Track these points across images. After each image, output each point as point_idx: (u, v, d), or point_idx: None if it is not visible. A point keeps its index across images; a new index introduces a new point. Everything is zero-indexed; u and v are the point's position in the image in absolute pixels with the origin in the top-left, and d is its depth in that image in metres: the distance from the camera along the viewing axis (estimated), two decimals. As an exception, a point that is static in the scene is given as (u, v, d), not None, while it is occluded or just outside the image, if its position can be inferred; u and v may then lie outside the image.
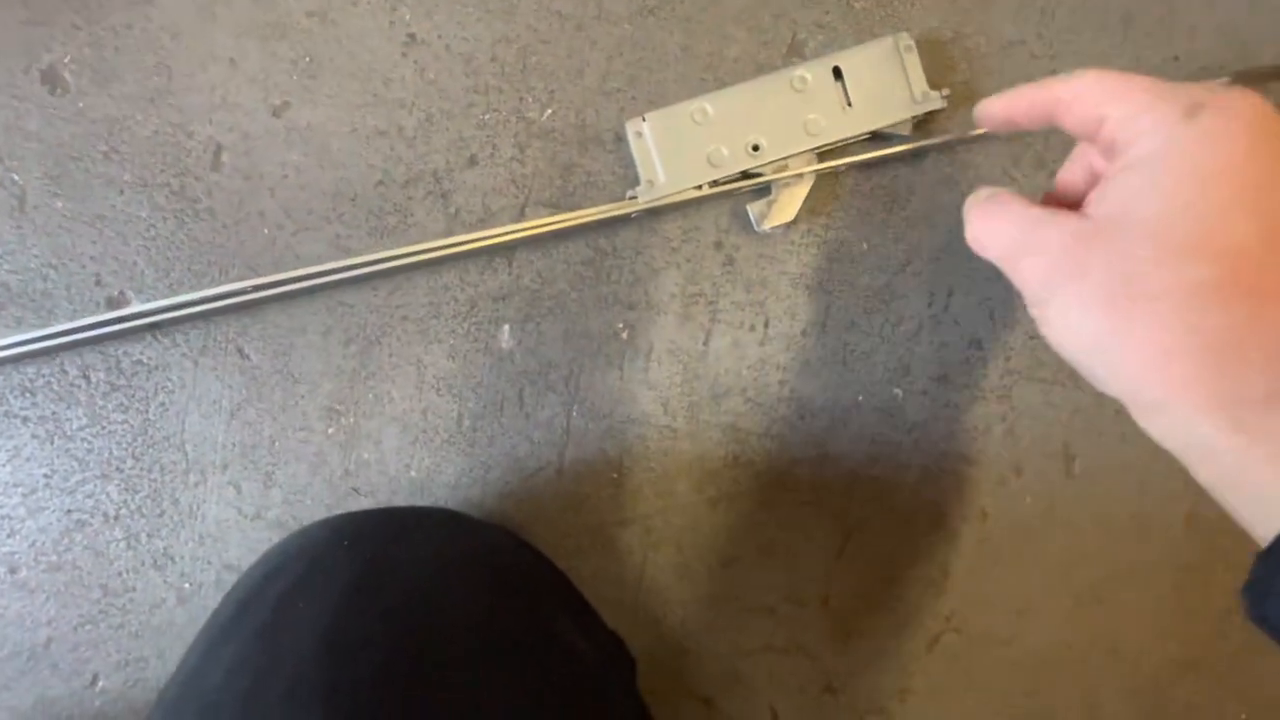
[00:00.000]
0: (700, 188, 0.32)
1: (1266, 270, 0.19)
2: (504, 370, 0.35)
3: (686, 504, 0.35)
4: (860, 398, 0.35)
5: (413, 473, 0.35)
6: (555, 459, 0.35)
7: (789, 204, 0.33)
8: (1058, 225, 0.22)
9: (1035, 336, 0.36)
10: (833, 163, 0.33)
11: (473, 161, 0.34)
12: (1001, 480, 0.36)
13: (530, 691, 0.22)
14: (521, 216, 0.34)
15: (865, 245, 0.35)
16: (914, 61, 0.33)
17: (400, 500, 0.35)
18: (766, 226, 0.33)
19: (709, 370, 0.35)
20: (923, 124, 0.34)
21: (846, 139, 0.33)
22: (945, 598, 0.37)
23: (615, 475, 0.35)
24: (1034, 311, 0.23)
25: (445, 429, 0.35)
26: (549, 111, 0.34)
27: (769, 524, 0.36)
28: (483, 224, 0.34)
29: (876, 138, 0.33)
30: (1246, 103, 0.21)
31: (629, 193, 0.33)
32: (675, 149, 0.32)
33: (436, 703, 0.20)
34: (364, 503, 0.35)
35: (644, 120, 0.32)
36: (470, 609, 0.23)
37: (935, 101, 0.33)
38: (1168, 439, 0.21)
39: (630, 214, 0.33)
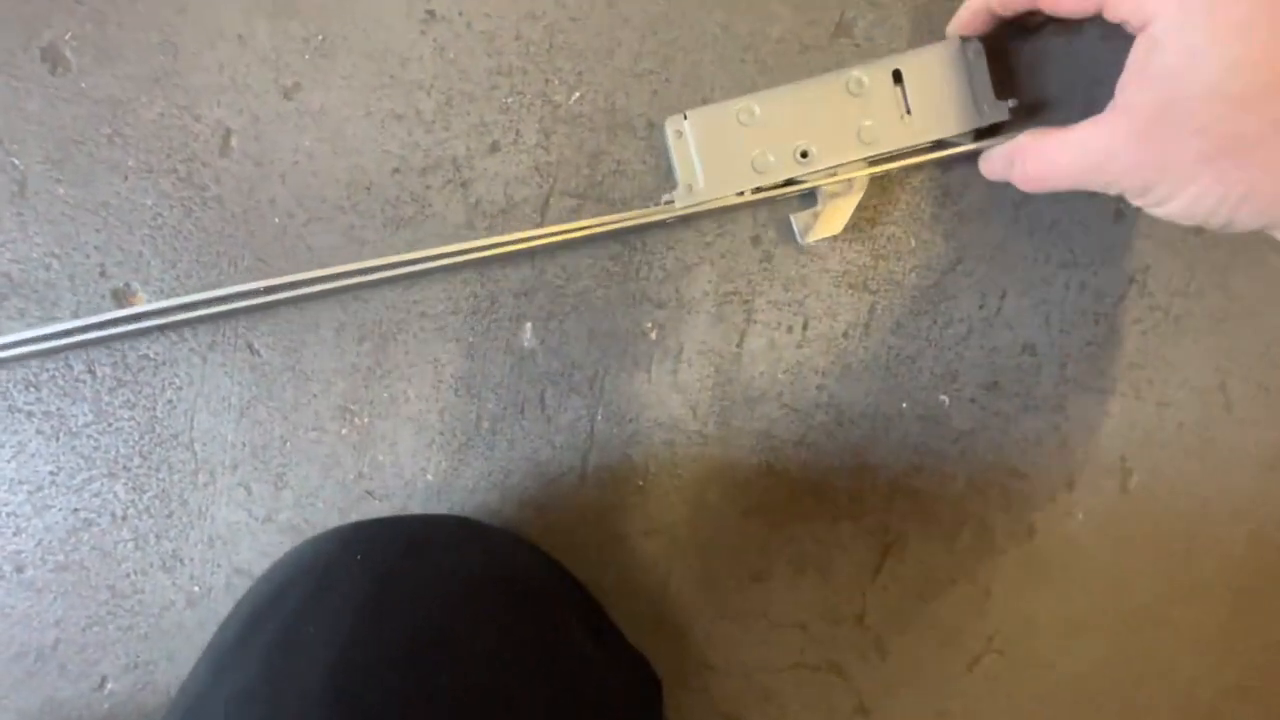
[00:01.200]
0: (742, 194, 0.30)
1: None
2: (525, 370, 0.33)
3: (715, 514, 0.34)
4: (904, 405, 0.33)
5: (429, 476, 0.33)
6: (578, 464, 0.33)
7: (837, 216, 0.30)
8: (1119, 129, 0.24)
9: (1093, 343, 0.33)
10: (886, 166, 0.31)
11: (494, 148, 0.32)
12: (1052, 495, 0.34)
13: (546, 711, 0.21)
14: (545, 207, 0.32)
15: (913, 242, 0.33)
16: (981, 68, 0.30)
17: (415, 505, 0.33)
18: (811, 239, 0.31)
19: (742, 373, 0.33)
20: (984, 133, 0.31)
21: (903, 149, 0.30)
22: (987, 618, 0.35)
23: (641, 483, 0.33)
24: (1141, 201, 0.25)
25: (463, 431, 0.33)
26: (576, 95, 0.32)
27: (803, 537, 0.34)
28: (504, 214, 0.32)
29: (936, 146, 0.31)
30: None
31: (664, 197, 0.30)
32: (717, 151, 0.30)
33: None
34: (378, 507, 0.33)
35: (685, 118, 0.30)
36: (484, 634, 0.22)
37: (1001, 112, 0.30)
38: None
39: (666, 220, 0.31)
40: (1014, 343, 0.33)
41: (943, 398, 0.33)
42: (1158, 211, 0.25)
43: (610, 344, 0.33)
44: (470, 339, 0.33)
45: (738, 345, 0.33)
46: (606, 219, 0.31)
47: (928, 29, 0.31)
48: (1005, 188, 0.32)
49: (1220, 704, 0.35)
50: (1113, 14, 0.24)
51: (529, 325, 0.33)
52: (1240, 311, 0.34)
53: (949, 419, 0.33)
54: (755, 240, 0.32)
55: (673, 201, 0.30)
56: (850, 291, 0.33)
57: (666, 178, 0.32)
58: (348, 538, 0.25)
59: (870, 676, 0.35)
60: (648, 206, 0.32)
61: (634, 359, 0.33)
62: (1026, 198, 0.32)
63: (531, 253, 0.32)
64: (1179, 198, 0.23)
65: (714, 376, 0.33)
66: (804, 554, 0.34)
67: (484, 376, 0.33)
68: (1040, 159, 0.26)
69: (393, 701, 0.19)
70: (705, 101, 0.32)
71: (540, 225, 0.32)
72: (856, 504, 0.34)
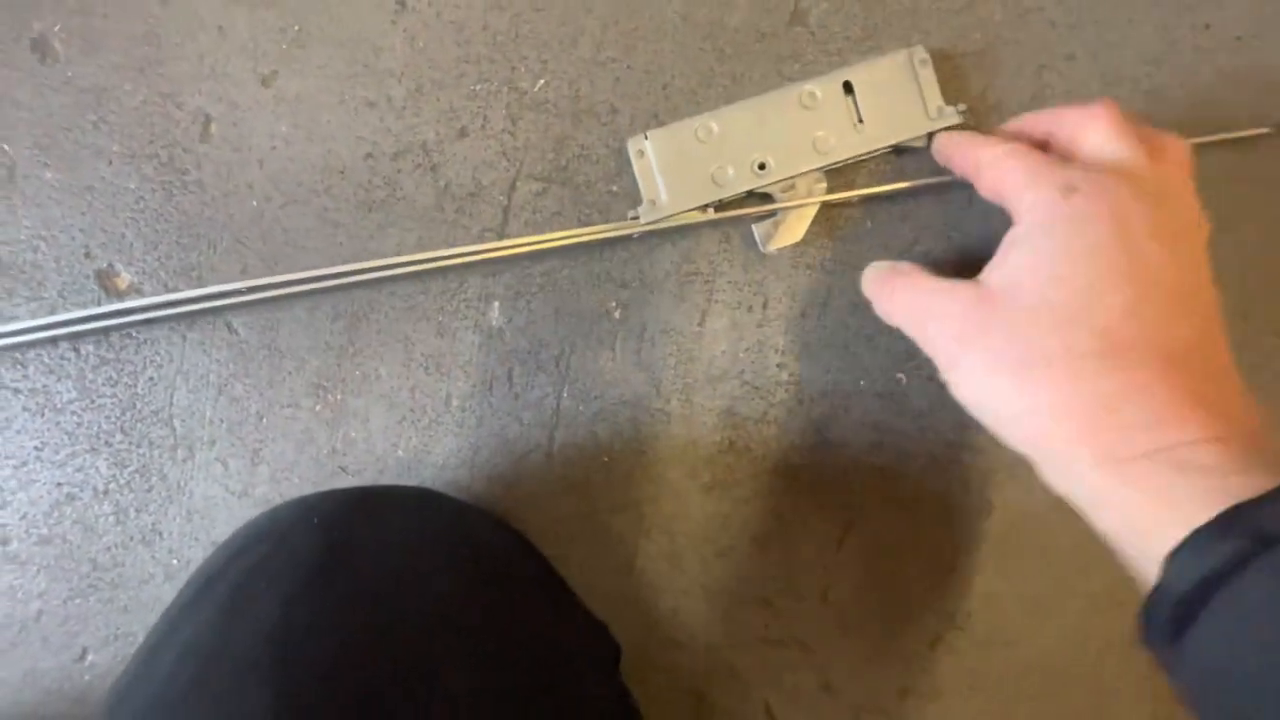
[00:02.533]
0: (706, 209, 0.31)
1: (1129, 344, 0.22)
2: (494, 349, 0.34)
3: (679, 490, 0.34)
4: (862, 383, 0.34)
5: (400, 452, 0.34)
6: (545, 441, 0.34)
7: (797, 225, 0.32)
8: (957, 294, 0.25)
9: (1050, 321, 0.34)
10: (844, 194, 0.32)
11: (463, 133, 0.33)
12: (1011, 472, 0.35)
13: (499, 677, 0.21)
14: (512, 190, 0.33)
15: (869, 223, 0.33)
16: (929, 76, 0.31)
17: (387, 480, 0.34)
18: (773, 248, 0.32)
19: (704, 352, 0.34)
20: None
21: (857, 156, 0.31)
22: (950, 595, 0.35)
23: (606, 459, 0.34)
24: (944, 375, 0.26)
25: (433, 408, 0.34)
26: (541, 82, 0.33)
27: (765, 513, 0.35)
28: (472, 198, 0.33)
29: (896, 152, 0.32)
30: (1115, 185, 0.23)
31: (630, 213, 0.32)
32: (679, 168, 0.31)
33: (394, 687, 0.20)
34: (351, 482, 0.34)
35: (646, 138, 0.31)
36: (436, 591, 0.23)
37: (951, 117, 0.31)
38: (1068, 490, 0.23)
39: (633, 234, 0.32)
40: (971, 321, 0.34)
41: (900, 376, 0.34)
42: (954, 391, 0.26)
43: (576, 323, 0.34)
44: (440, 318, 0.34)
45: (699, 324, 0.34)
46: (573, 232, 0.32)
47: (881, 15, 0.32)
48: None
49: (1184, 682, 0.36)
50: (1007, 205, 0.26)
51: (496, 304, 0.34)
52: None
53: (907, 397, 0.34)
54: (715, 221, 0.33)
55: (638, 217, 0.31)
56: (808, 272, 0.34)
57: (629, 161, 0.33)
58: (309, 504, 0.26)
59: (835, 652, 0.35)
60: (610, 189, 0.33)
61: (599, 338, 0.34)
62: (981, 180, 0.33)
63: (500, 232, 0.33)
64: (968, 385, 0.25)
65: (676, 355, 0.34)
66: (767, 530, 0.35)
67: (453, 355, 0.34)
68: (899, 295, 0.28)
69: (334, 656, 0.20)
70: (665, 88, 0.33)
71: (507, 208, 0.33)
72: (818, 480, 0.34)
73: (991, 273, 0.25)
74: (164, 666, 0.20)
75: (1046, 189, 0.24)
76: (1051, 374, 0.23)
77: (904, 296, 0.27)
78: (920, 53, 0.31)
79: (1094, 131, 0.25)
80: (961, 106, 0.31)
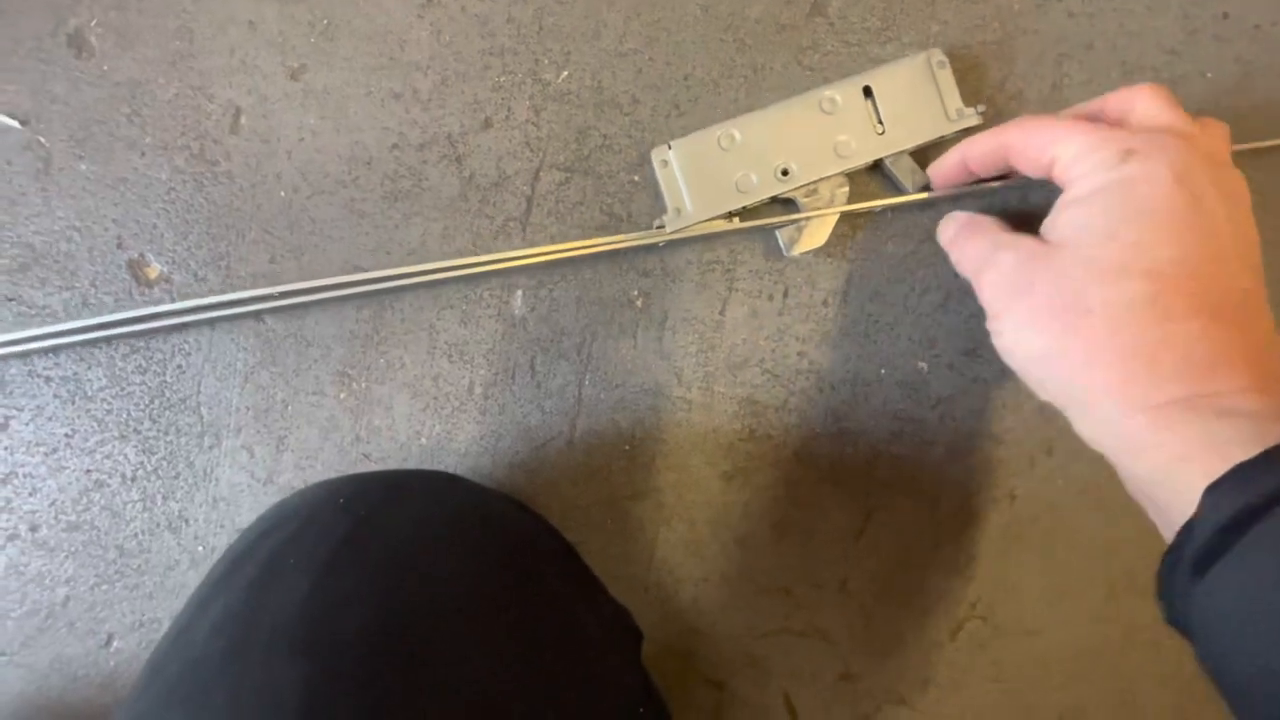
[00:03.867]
0: (731, 218, 0.32)
1: (1180, 294, 0.22)
2: (516, 337, 0.34)
3: (700, 478, 0.34)
4: (883, 371, 0.34)
5: (423, 440, 0.34)
6: (566, 429, 0.34)
7: (820, 230, 0.32)
8: (1015, 247, 0.26)
9: (1070, 310, 0.34)
10: (868, 204, 0.32)
11: (487, 124, 0.33)
12: (1032, 461, 0.34)
13: (524, 654, 0.21)
14: (536, 180, 0.33)
15: (889, 213, 0.34)
16: (947, 78, 0.31)
17: (410, 467, 0.34)
18: (796, 252, 0.32)
19: (725, 340, 0.34)
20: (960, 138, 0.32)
21: (879, 160, 0.32)
22: (971, 584, 0.35)
23: (627, 447, 0.34)
24: (989, 325, 0.26)
25: (456, 396, 0.34)
26: (565, 74, 0.33)
27: (785, 501, 0.35)
28: (496, 187, 0.34)
29: (914, 157, 0.32)
30: (1172, 143, 0.24)
31: (655, 222, 0.32)
32: (702, 176, 0.31)
33: (424, 660, 0.20)
34: (374, 469, 0.34)
35: (669, 148, 0.32)
36: (463, 569, 0.23)
37: (971, 118, 0.31)
38: (1102, 439, 0.24)
39: (659, 244, 0.32)
40: (991, 310, 0.34)
41: (921, 364, 0.34)
42: (994, 340, 0.26)
43: (598, 312, 0.34)
44: (463, 307, 0.34)
45: (720, 313, 0.34)
46: (600, 240, 0.32)
47: (899, 6, 0.33)
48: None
49: (1208, 673, 0.35)
50: (1058, 177, 0.26)
51: (519, 293, 0.34)
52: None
53: (928, 385, 0.34)
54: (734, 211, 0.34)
55: (663, 226, 0.32)
56: (829, 260, 0.34)
57: (649, 149, 0.33)
58: (335, 486, 0.26)
59: (855, 642, 0.35)
60: (632, 178, 0.33)
61: (620, 326, 0.34)
62: (1000, 169, 0.33)
63: (523, 223, 0.34)
64: (1007, 334, 0.25)
65: (698, 343, 0.34)
66: (787, 518, 0.35)
67: (476, 343, 0.34)
68: (970, 241, 0.28)
69: (364, 628, 0.20)
70: (686, 79, 0.33)
71: (530, 198, 0.34)
72: (838, 469, 0.34)
73: (1049, 232, 0.25)
74: (197, 641, 0.20)
75: (1103, 153, 0.24)
76: (1090, 322, 0.23)
77: (971, 246, 0.28)
78: (938, 55, 0.31)
79: (1143, 101, 0.26)
80: (981, 108, 0.31)
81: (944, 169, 0.30)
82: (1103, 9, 0.33)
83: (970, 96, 0.32)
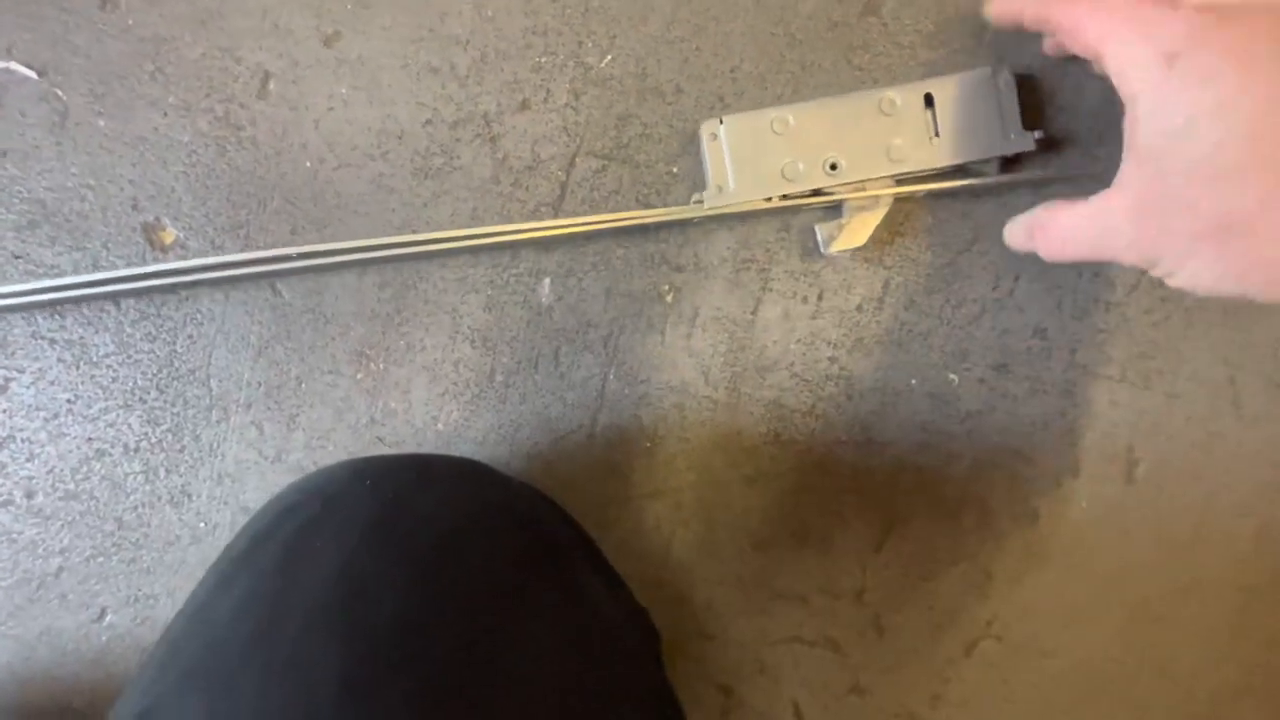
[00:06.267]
0: (770, 200, 0.31)
1: None
2: (541, 326, 0.33)
3: (721, 480, 0.34)
4: (913, 381, 0.34)
5: (440, 425, 0.33)
6: (587, 423, 0.34)
7: (861, 229, 0.31)
8: (1119, 206, 0.25)
9: (1104, 330, 0.34)
10: (911, 188, 0.31)
11: (525, 105, 0.32)
12: (1057, 481, 0.34)
13: (556, 647, 0.21)
14: (571, 166, 0.33)
15: (930, 219, 0.33)
16: (1011, 98, 0.31)
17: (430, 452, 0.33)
18: (834, 250, 0.31)
19: (755, 341, 0.33)
20: (1011, 163, 0.32)
21: (929, 170, 0.31)
22: (988, 602, 0.35)
23: (648, 444, 0.34)
24: (1156, 273, 0.25)
25: (476, 382, 0.33)
26: (608, 58, 0.32)
27: (806, 508, 0.34)
28: (530, 171, 0.33)
29: (961, 171, 0.32)
30: (1219, 38, 0.22)
31: (694, 197, 0.31)
32: (750, 157, 0.31)
33: (460, 648, 0.19)
34: (387, 453, 0.34)
35: (720, 123, 0.31)
36: (494, 558, 0.22)
37: (1027, 143, 0.31)
38: None
39: (694, 219, 0.31)
40: (1025, 325, 0.33)
41: (952, 377, 0.34)
42: (1170, 283, 0.25)
43: (626, 304, 0.33)
44: (489, 291, 0.33)
45: (752, 313, 0.33)
46: (634, 214, 0.31)
47: (953, 10, 0.32)
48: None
49: (1220, 701, 0.35)
50: (1108, 74, 0.25)
51: (547, 281, 0.33)
52: (1251, 307, 0.34)
53: (957, 398, 0.34)
54: (776, 211, 0.33)
55: (702, 201, 0.31)
56: (866, 265, 0.33)
57: (690, 143, 0.32)
58: (358, 467, 0.25)
59: (867, 655, 0.35)
60: (670, 170, 0.33)
61: (649, 320, 0.33)
62: (1044, 185, 0.33)
63: (556, 206, 0.33)
64: (1182, 272, 0.24)
65: (727, 342, 0.33)
66: (807, 526, 0.34)
67: (500, 329, 0.33)
68: (1055, 233, 0.27)
69: (399, 614, 0.19)
70: (733, 71, 0.32)
71: (565, 184, 0.33)
72: (861, 478, 0.34)
73: (1129, 169, 0.24)
74: (219, 621, 0.20)
75: (1145, 61, 0.22)
76: (1253, 229, 0.22)
77: (1065, 230, 0.27)
78: (1006, 74, 0.31)
79: None
80: (1038, 133, 0.31)
81: (998, 11, 0.29)
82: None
83: (1023, 110, 0.32)
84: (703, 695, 0.34)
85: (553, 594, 0.23)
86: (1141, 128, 0.23)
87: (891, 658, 0.35)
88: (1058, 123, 0.33)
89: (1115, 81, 0.24)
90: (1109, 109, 0.33)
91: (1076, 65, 0.32)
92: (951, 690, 0.35)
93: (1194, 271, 0.24)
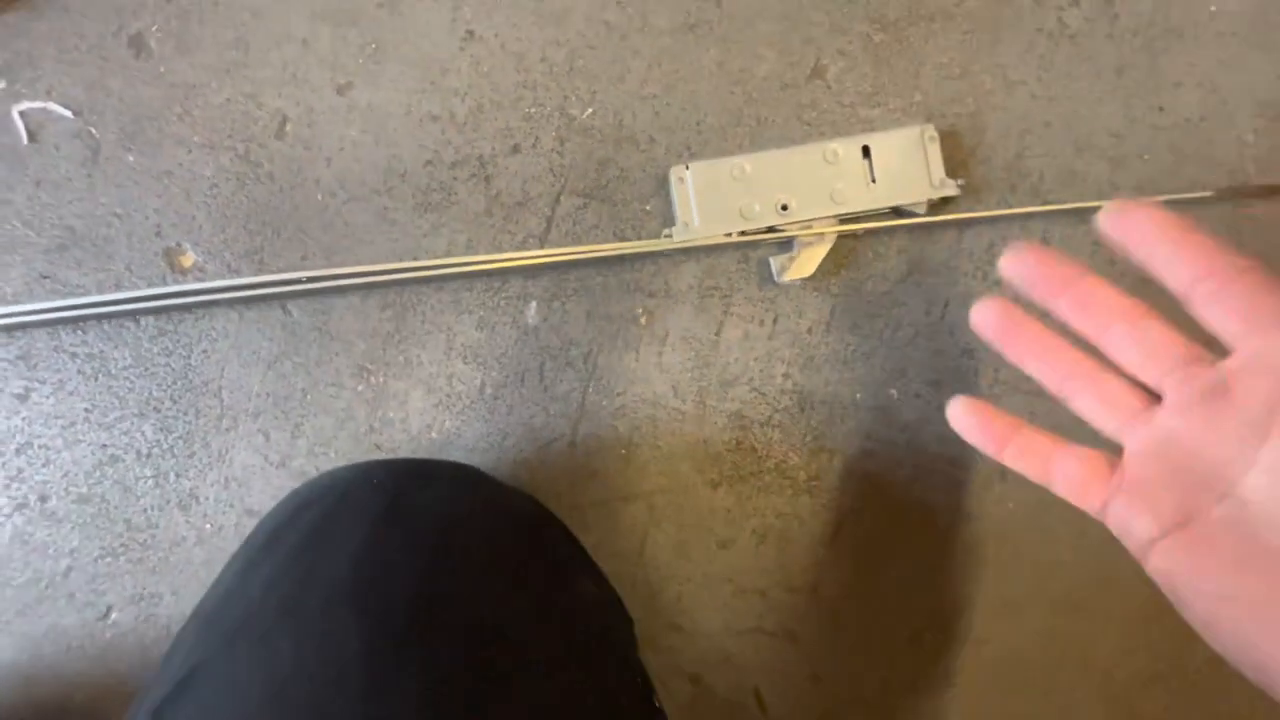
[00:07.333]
0: (730, 235, 0.35)
1: None
2: (528, 344, 0.37)
3: (689, 484, 0.37)
4: (858, 395, 0.38)
5: (433, 434, 0.37)
6: (569, 432, 0.37)
7: (809, 261, 0.36)
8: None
9: (1024, 351, 0.38)
10: (853, 226, 0.36)
11: (516, 150, 0.37)
12: (987, 484, 0.38)
13: (547, 624, 0.24)
14: (556, 203, 0.37)
15: (870, 254, 0.38)
16: (935, 151, 0.36)
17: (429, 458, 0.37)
18: (786, 279, 0.36)
19: (719, 359, 0.37)
20: (937, 206, 0.37)
21: (867, 211, 0.36)
22: (929, 595, 0.39)
23: (624, 451, 0.37)
24: (1138, 548, 0.22)
25: (468, 395, 0.37)
26: (590, 110, 0.37)
27: (765, 510, 0.38)
28: (520, 206, 0.37)
29: (895, 212, 0.37)
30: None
31: (664, 231, 0.36)
32: (712, 198, 0.35)
33: (465, 623, 0.22)
34: (386, 458, 0.37)
35: (687, 169, 0.35)
36: (492, 546, 0.25)
37: (950, 189, 0.36)
38: None
39: (664, 251, 0.36)
40: (955, 347, 0.38)
41: (892, 391, 0.38)
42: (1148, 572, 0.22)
43: (605, 325, 0.37)
44: (481, 313, 0.37)
45: (716, 334, 0.37)
46: (612, 246, 0.35)
47: (888, 76, 0.37)
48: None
49: (1134, 688, 0.39)
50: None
51: (534, 304, 0.37)
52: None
53: (898, 410, 0.38)
54: (737, 245, 0.37)
55: (671, 235, 0.35)
56: (815, 293, 0.38)
57: (661, 185, 0.37)
58: (364, 468, 0.28)
59: (822, 644, 0.38)
60: (644, 208, 0.37)
61: (625, 340, 0.37)
62: (967, 226, 0.38)
63: (542, 238, 0.37)
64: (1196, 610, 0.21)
65: (694, 360, 0.37)
66: (766, 525, 0.38)
67: (490, 347, 0.37)
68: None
69: (414, 593, 0.22)
70: (698, 124, 0.37)
71: (550, 218, 0.37)
72: (814, 482, 0.38)
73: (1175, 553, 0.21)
74: (252, 596, 0.22)
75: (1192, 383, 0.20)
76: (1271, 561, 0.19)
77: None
78: (930, 131, 0.36)
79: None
80: (960, 181, 0.36)
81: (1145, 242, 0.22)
82: (1059, 95, 0.38)
83: (947, 161, 0.37)
84: (672, 683, 0.37)
85: (543, 578, 0.26)
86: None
87: (844, 647, 0.38)
88: (977, 172, 0.38)
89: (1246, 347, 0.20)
90: (1019, 161, 0.38)
91: (992, 127, 0.38)
92: (898, 677, 0.38)
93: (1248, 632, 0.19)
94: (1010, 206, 0.38)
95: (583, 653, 0.24)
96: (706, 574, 0.38)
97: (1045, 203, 0.38)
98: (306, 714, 0.18)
